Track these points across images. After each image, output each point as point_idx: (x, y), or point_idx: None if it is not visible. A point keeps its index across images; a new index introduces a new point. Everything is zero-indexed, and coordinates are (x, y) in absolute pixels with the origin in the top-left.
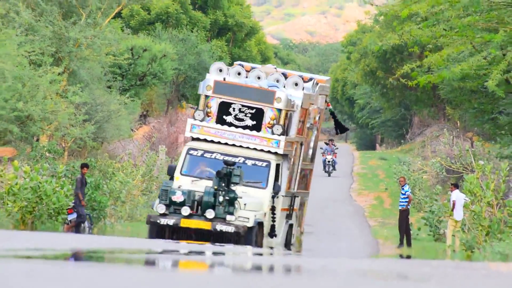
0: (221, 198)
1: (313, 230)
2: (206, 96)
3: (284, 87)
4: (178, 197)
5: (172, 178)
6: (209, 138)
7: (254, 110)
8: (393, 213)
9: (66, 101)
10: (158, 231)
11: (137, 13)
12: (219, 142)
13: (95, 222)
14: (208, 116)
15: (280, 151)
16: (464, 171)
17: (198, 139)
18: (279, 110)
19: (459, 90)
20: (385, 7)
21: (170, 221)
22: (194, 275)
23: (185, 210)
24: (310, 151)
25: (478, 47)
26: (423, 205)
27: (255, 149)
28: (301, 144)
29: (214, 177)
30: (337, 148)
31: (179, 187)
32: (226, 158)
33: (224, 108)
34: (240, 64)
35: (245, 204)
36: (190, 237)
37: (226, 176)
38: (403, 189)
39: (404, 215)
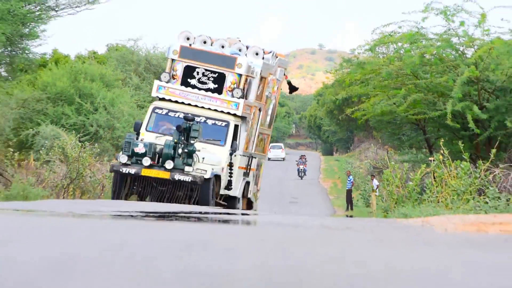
0: (180, 151)
1: (297, 201)
2: (173, 60)
3: (246, 55)
4: (140, 149)
5: (138, 134)
6: (173, 99)
7: (217, 74)
8: (343, 192)
9: None
10: (120, 179)
11: None
12: (182, 103)
13: None
14: (174, 78)
15: (239, 113)
16: (382, 168)
17: (163, 100)
18: (240, 75)
19: (380, 122)
20: (340, 75)
21: (132, 170)
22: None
23: (146, 161)
24: (268, 118)
25: (391, 97)
26: (360, 186)
27: (215, 110)
28: (260, 110)
29: (174, 131)
30: (306, 161)
31: (141, 140)
32: (186, 114)
33: (188, 71)
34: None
35: (203, 158)
36: (149, 185)
37: (185, 131)
38: (348, 178)
39: (349, 192)
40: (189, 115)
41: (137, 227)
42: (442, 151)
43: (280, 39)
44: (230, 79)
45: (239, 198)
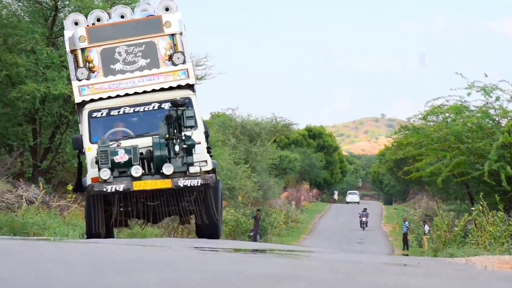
0: (177, 148)
1: (363, 242)
2: (83, 50)
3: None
4: (122, 157)
5: (81, 153)
6: (105, 95)
7: (144, 46)
8: (400, 234)
9: (250, 180)
10: (102, 201)
11: (282, 140)
12: (118, 96)
13: (263, 236)
14: (93, 71)
15: (192, 81)
16: (433, 215)
17: (93, 101)
18: (172, 36)
19: (431, 178)
20: (398, 138)
21: (120, 186)
22: None
23: (136, 170)
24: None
25: (440, 158)
26: (414, 230)
27: (162, 89)
28: None
29: (161, 123)
30: (368, 214)
31: (118, 145)
32: (175, 99)
33: (108, 55)
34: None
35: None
36: (140, 201)
37: (177, 120)
38: (405, 223)
39: (405, 235)
40: (178, 99)
41: (231, 261)
42: (481, 203)
43: (349, 109)
44: (162, 45)
45: None
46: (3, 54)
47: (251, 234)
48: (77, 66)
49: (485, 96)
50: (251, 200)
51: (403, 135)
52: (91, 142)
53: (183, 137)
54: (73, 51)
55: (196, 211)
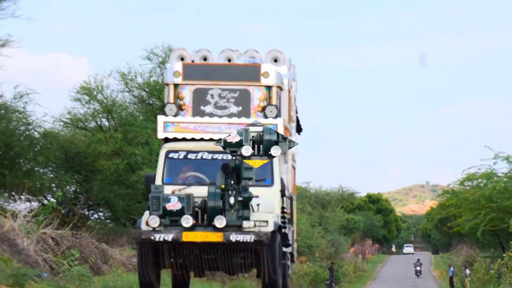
0: (232, 200)
1: (417, 285)
2: (176, 86)
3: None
4: (174, 204)
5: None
6: (189, 136)
7: (238, 92)
8: (446, 278)
9: (324, 239)
10: (152, 250)
11: (348, 205)
12: (202, 139)
13: (337, 284)
14: (182, 109)
15: None
16: (472, 261)
17: (175, 139)
18: (268, 88)
19: (469, 232)
20: (441, 201)
21: (168, 236)
22: None
23: (187, 220)
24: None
25: (476, 215)
26: (458, 274)
27: None
28: (291, 135)
29: (219, 173)
30: (421, 264)
31: (172, 192)
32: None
33: (200, 96)
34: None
35: (258, 205)
36: (193, 253)
37: (235, 171)
38: (450, 268)
39: (451, 278)
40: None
41: None
42: (511, 250)
43: (400, 178)
44: (256, 95)
45: (293, 255)
46: (124, 147)
47: (328, 283)
48: (167, 101)
49: (508, 164)
50: (325, 255)
51: (445, 198)
52: (163, 183)
53: (240, 189)
54: (167, 85)
55: (250, 268)
